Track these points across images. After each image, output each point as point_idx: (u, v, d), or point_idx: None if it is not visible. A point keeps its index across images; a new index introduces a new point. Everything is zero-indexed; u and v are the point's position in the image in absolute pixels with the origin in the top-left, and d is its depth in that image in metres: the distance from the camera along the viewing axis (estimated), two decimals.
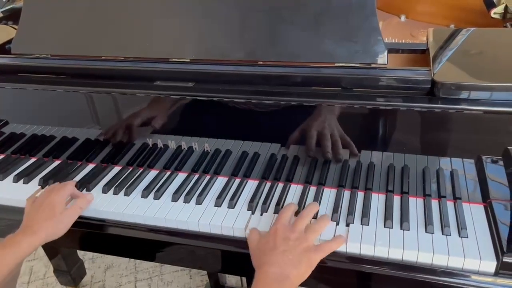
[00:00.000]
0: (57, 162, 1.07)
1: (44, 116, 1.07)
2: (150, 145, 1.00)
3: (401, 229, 0.80)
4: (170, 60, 0.94)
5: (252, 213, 0.87)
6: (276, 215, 0.85)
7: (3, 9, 1.38)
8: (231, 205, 0.88)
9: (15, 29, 1.06)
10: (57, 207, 0.87)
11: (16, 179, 1.01)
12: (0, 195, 0.98)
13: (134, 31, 0.96)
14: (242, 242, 0.82)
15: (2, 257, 0.79)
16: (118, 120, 1.00)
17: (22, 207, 0.93)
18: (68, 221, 0.87)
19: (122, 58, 0.98)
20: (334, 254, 0.78)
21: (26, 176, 1.01)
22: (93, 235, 0.94)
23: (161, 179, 0.97)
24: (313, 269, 0.75)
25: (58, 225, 0.86)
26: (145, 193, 0.93)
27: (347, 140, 0.87)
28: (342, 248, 0.78)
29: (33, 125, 1.08)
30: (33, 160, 1.08)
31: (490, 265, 0.72)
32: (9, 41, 1.08)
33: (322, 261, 0.76)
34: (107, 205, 0.92)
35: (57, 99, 1.02)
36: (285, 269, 0.72)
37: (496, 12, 1.05)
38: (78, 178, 1.00)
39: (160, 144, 0.99)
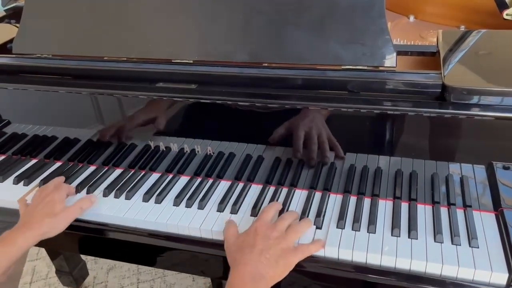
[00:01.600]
0: (58, 164, 1.05)
1: (46, 117, 1.06)
2: (152, 148, 0.98)
3: (409, 237, 0.77)
4: (173, 61, 0.92)
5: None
6: None
7: (6, 8, 1.37)
8: (234, 211, 0.86)
9: (18, 28, 1.05)
10: (57, 204, 0.86)
11: (17, 181, 1.00)
12: (0, 197, 0.97)
13: (137, 32, 0.95)
14: None
15: None
16: (120, 122, 0.98)
17: None
18: (67, 220, 0.86)
19: (125, 58, 0.96)
20: (340, 263, 0.76)
21: (26, 178, 1.00)
22: (92, 239, 0.92)
23: (163, 183, 0.95)
24: (291, 270, 0.74)
25: (57, 223, 0.84)
26: (146, 197, 0.91)
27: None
28: (348, 257, 0.76)
29: (34, 126, 1.06)
30: (34, 161, 1.07)
31: (502, 277, 0.69)
32: (11, 40, 1.07)
33: (327, 270, 0.74)
34: (108, 208, 0.90)
35: (59, 99, 1.00)
36: (261, 268, 0.71)
37: (508, 13, 1.02)
38: (79, 180, 0.99)
39: (162, 147, 0.97)
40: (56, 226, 0.84)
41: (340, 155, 0.86)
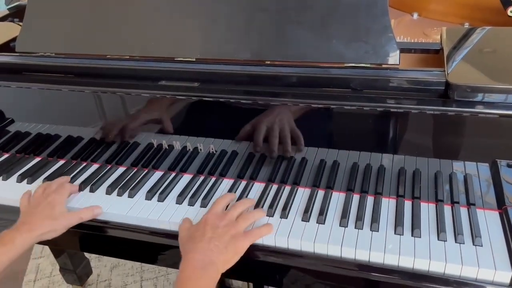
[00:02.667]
0: (61, 162, 1.06)
1: (49, 115, 1.06)
2: (155, 146, 0.98)
3: (412, 236, 0.77)
4: (175, 59, 0.92)
5: None
6: (283, 219, 0.83)
7: (9, 6, 1.37)
8: None
9: (21, 26, 1.05)
10: (57, 207, 0.86)
11: (20, 179, 1.00)
12: (3, 195, 0.97)
13: (139, 30, 0.95)
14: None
15: None
16: (123, 120, 0.98)
17: None
18: (65, 225, 0.86)
19: (127, 57, 0.96)
20: (343, 261, 0.76)
21: (30, 176, 1.00)
22: (95, 237, 0.92)
23: (165, 181, 0.95)
24: (241, 255, 0.76)
25: (55, 226, 0.85)
26: (149, 195, 0.91)
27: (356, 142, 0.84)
28: (350, 255, 0.76)
29: (38, 124, 1.06)
30: (37, 159, 1.07)
31: (506, 276, 0.69)
32: (14, 39, 1.07)
33: (329, 269, 0.74)
34: (111, 206, 0.90)
35: (62, 98, 1.00)
36: (210, 255, 0.73)
37: None
38: (82, 178, 0.99)
39: (165, 145, 0.97)
40: (55, 228, 0.85)
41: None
